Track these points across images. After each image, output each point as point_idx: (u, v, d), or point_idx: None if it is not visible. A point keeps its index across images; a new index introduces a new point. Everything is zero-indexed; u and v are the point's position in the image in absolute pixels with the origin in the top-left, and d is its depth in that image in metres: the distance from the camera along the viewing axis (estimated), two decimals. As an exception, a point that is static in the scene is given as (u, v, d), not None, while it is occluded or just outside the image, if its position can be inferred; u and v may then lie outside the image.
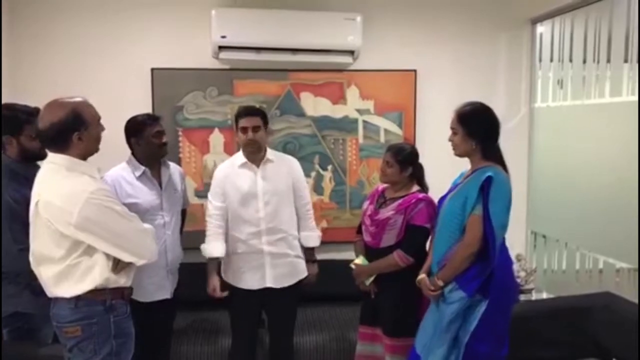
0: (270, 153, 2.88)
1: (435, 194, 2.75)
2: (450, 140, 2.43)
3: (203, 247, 2.83)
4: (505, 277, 2.37)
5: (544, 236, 3.88)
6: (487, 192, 2.26)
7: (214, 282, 2.81)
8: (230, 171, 2.84)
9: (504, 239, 2.38)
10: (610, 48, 3.17)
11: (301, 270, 2.93)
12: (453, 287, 2.34)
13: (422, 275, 2.49)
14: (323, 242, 3.48)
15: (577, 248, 3.53)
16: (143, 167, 2.72)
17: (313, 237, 2.97)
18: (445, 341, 2.35)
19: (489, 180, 2.27)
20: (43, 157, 2.49)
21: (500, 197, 2.27)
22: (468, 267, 2.31)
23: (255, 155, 2.82)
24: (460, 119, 2.39)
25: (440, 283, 2.36)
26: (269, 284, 2.83)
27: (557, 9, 3.57)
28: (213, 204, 2.84)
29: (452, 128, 2.42)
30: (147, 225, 2.21)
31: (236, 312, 2.91)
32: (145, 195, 2.70)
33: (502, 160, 2.40)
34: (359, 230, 2.93)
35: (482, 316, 2.28)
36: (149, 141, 2.71)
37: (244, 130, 2.76)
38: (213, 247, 2.81)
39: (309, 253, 2.98)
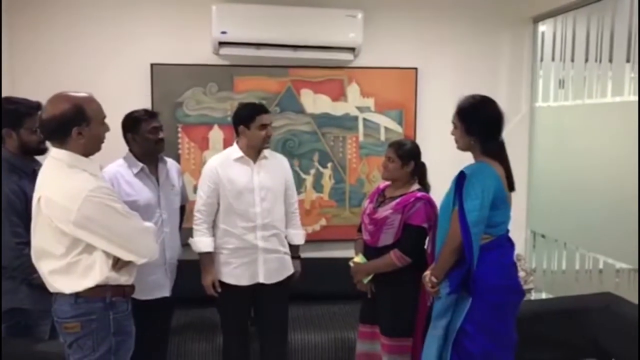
0: (264, 150, 2.87)
1: (436, 193, 2.74)
2: (452, 134, 2.40)
3: (192, 241, 2.83)
4: (493, 275, 2.26)
5: (544, 236, 3.87)
6: (461, 188, 2.24)
7: (212, 278, 2.80)
8: (225, 164, 2.81)
9: (498, 237, 2.30)
10: (612, 47, 3.15)
11: (289, 267, 2.94)
12: (445, 283, 2.33)
13: (426, 272, 2.45)
14: (322, 240, 3.48)
15: (576, 248, 3.53)
16: (141, 164, 2.71)
17: (299, 235, 3.02)
18: (435, 337, 2.32)
19: (462, 176, 2.25)
20: (42, 151, 2.50)
21: (475, 194, 2.20)
22: (455, 262, 2.29)
23: (257, 151, 2.82)
24: (460, 113, 2.35)
25: (434, 279, 2.35)
26: (261, 279, 2.83)
27: (559, 7, 3.55)
28: (203, 198, 2.81)
29: (452, 122, 2.39)
30: (147, 224, 2.19)
31: (226, 309, 2.90)
32: (143, 192, 2.69)
33: (503, 156, 2.33)
34: (360, 229, 2.92)
35: (470, 313, 2.24)
36: (145, 137, 2.70)
37: (264, 127, 2.76)
38: (203, 242, 2.80)
39: (294, 250, 3.00)
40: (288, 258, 2.94)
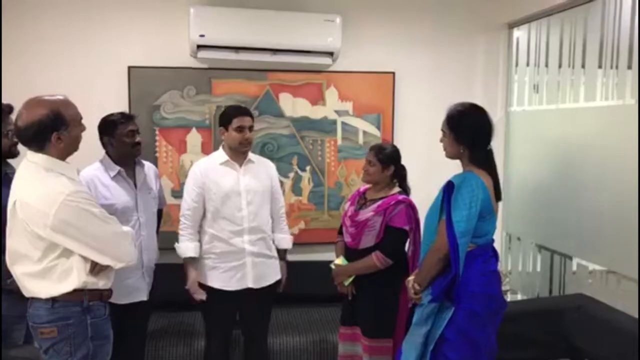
0: (250, 154, 2.87)
1: (414, 196, 2.77)
2: (440, 141, 2.38)
3: (177, 246, 2.80)
4: (475, 283, 2.25)
5: (519, 238, 3.92)
6: (449, 198, 2.23)
7: (195, 283, 2.76)
8: (211, 168, 2.79)
9: (482, 245, 2.30)
10: (584, 54, 3.22)
11: (277, 271, 2.92)
12: (428, 290, 2.31)
13: (409, 277, 2.44)
14: (301, 243, 3.49)
15: (551, 250, 3.58)
16: (118, 167, 2.68)
17: (287, 240, 2.99)
18: (414, 344, 2.31)
19: (450, 186, 2.24)
20: (13, 155, 2.46)
21: (463, 204, 2.19)
22: (439, 272, 2.28)
23: (241, 154, 2.81)
24: (449, 121, 2.32)
25: (417, 286, 2.34)
26: (250, 284, 2.80)
27: (534, 14, 3.62)
28: (188, 202, 2.78)
29: (442, 130, 2.36)
30: (126, 228, 2.17)
31: (211, 313, 2.87)
32: (120, 196, 2.66)
33: (491, 165, 2.32)
34: (341, 231, 2.94)
35: (452, 322, 2.23)
36: (121, 140, 2.68)
37: (240, 129, 2.73)
38: (187, 247, 2.76)
39: (281, 253, 2.98)
40: (276, 262, 2.92)
